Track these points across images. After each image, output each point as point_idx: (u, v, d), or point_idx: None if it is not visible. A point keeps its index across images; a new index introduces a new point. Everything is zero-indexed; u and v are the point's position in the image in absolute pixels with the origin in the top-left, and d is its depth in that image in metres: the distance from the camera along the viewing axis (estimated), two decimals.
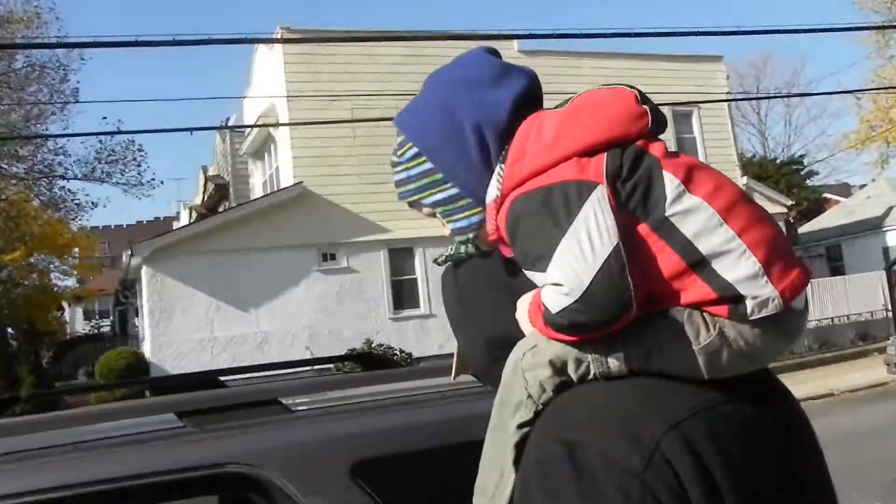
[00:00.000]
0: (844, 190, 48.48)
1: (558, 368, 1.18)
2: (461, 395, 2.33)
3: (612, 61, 24.39)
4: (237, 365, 17.65)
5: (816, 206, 43.64)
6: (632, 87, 1.30)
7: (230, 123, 26.99)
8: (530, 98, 1.32)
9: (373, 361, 2.99)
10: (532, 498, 1.11)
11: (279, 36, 20.53)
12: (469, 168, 1.30)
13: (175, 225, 39.50)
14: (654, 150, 1.22)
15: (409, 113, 1.37)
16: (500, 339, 1.29)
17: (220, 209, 27.13)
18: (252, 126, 23.32)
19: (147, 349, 20.39)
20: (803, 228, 39.01)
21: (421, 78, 1.43)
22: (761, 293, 1.16)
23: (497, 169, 1.26)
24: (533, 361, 1.20)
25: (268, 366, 3.23)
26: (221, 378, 2.83)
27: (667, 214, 1.17)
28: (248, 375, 3.07)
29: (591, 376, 1.18)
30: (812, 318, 22.36)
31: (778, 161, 45.66)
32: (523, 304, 1.23)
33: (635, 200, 1.18)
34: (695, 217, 1.17)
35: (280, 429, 2.11)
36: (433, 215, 1.37)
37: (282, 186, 21.76)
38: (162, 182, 42.31)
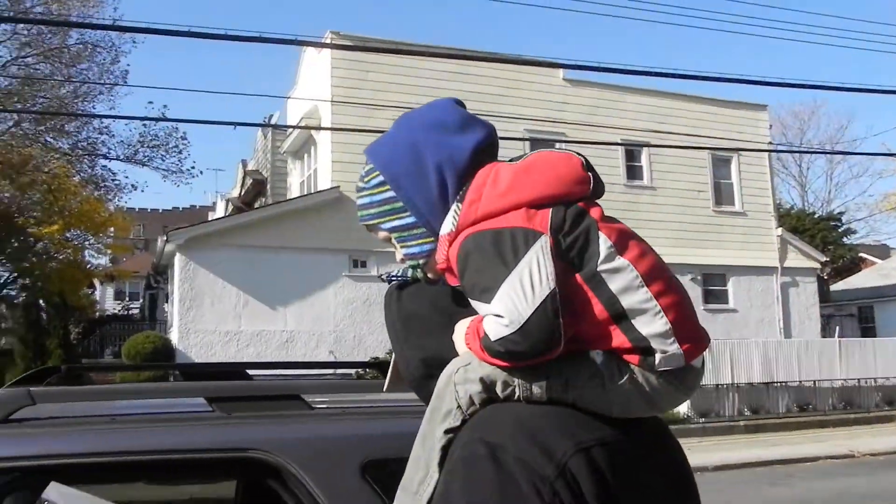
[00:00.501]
0: (882, 251, 47.51)
1: (487, 386, 1.34)
2: None
3: (654, 99, 24.51)
4: (262, 360, 17.92)
5: (852, 264, 43.04)
6: (580, 154, 1.45)
7: (273, 121, 27.35)
8: (488, 148, 1.48)
9: None
10: (453, 490, 1.26)
11: (328, 40, 20.84)
12: (427, 201, 1.45)
13: (211, 215, 39.97)
14: (594, 212, 1.39)
15: (379, 144, 1.54)
16: (436, 358, 1.44)
17: (257, 205, 27.46)
18: (294, 127, 23.62)
19: (174, 336, 20.71)
20: (836, 286, 38.54)
21: (463, 95, 1.59)
22: (668, 349, 1.32)
23: (454, 207, 1.41)
24: (465, 377, 1.35)
25: (293, 364, 3.40)
26: (248, 371, 3.03)
27: (598, 269, 1.32)
28: (272, 371, 3.25)
29: (515, 397, 1.34)
30: (838, 378, 22.23)
31: (816, 216, 45.22)
32: (461, 328, 1.39)
33: (573, 253, 1.34)
34: (620, 276, 1.33)
35: (300, 423, 2.29)
36: (388, 240, 1.53)
37: (319, 189, 22.02)
38: (201, 172, 43.00)
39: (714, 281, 24.94)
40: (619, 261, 1.33)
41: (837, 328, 27.02)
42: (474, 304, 1.34)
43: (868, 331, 32.84)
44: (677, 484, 1.43)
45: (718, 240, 24.97)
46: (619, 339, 1.32)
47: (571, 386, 1.31)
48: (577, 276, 1.32)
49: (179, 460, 2.17)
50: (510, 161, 1.45)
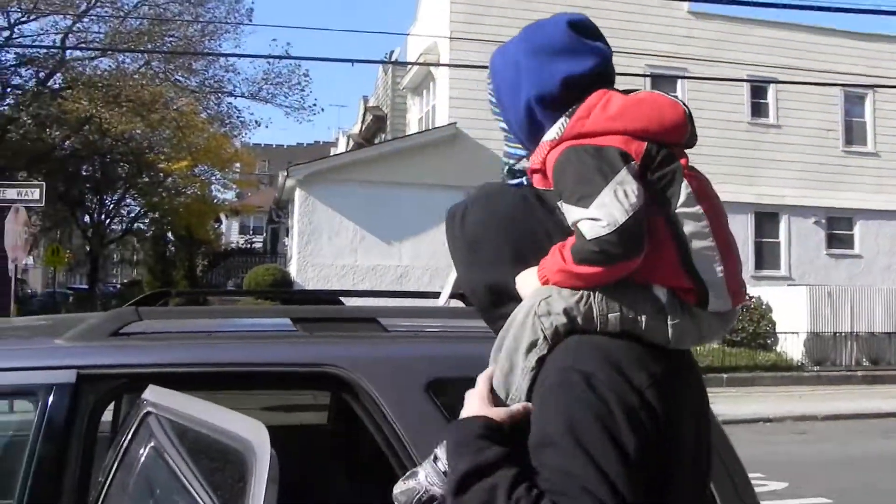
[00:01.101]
0: None
1: (571, 318, 1.45)
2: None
3: (784, 32, 23.54)
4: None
5: None
6: (685, 105, 1.56)
7: (394, 58, 27.59)
8: (594, 77, 1.56)
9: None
10: (551, 412, 1.37)
11: None
12: (517, 120, 1.60)
13: (333, 151, 40.81)
14: (682, 160, 1.51)
15: (499, 51, 1.69)
16: (500, 286, 1.56)
17: (377, 140, 27.93)
18: (413, 63, 23.81)
19: (293, 269, 21.48)
20: None
21: None
22: (720, 296, 1.48)
23: (562, 119, 1.53)
24: (548, 309, 1.46)
25: (381, 293, 3.61)
26: (341, 297, 3.25)
27: (675, 210, 1.46)
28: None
29: (593, 328, 1.45)
30: None
31: None
32: (526, 276, 1.52)
33: (657, 188, 1.46)
34: (693, 222, 1.46)
35: (373, 343, 2.48)
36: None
37: (436, 125, 22.22)
38: (323, 109, 43.94)
39: (840, 225, 24.05)
40: (695, 208, 1.46)
41: None
42: (568, 208, 1.46)
43: None
44: (698, 414, 1.54)
45: (847, 181, 24.00)
46: (680, 278, 1.45)
47: (640, 319, 1.43)
48: (656, 211, 1.44)
49: (264, 372, 2.41)
50: (622, 91, 1.56)
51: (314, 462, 3.55)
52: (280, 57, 25.55)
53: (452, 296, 1.89)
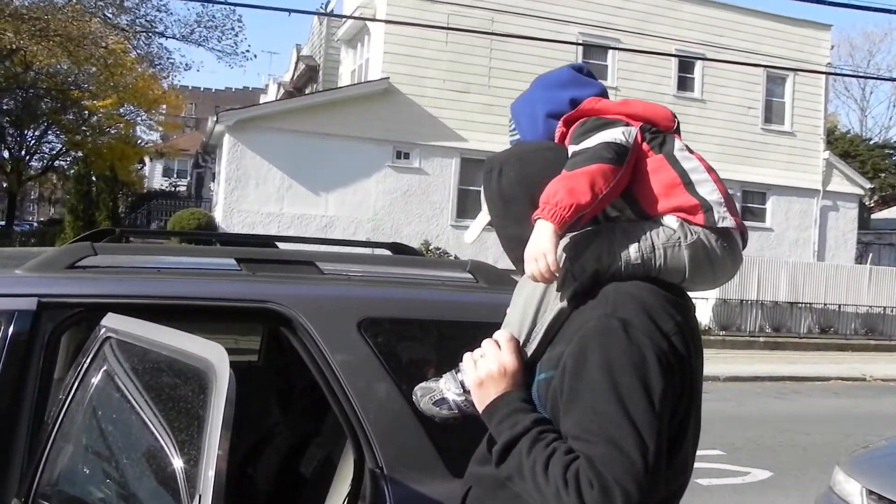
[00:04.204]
0: None
1: (597, 256, 1.71)
2: (456, 286, 2.95)
3: (712, 10, 24.10)
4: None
5: None
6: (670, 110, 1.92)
7: (329, 9, 27.34)
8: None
9: (402, 251, 3.58)
10: (592, 353, 1.60)
11: None
12: (535, 136, 1.92)
13: (262, 98, 40.26)
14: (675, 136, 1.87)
15: (516, 102, 2.01)
16: (528, 239, 1.75)
17: (308, 91, 27.75)
18: (348, 17, 23.68)
19: (218, 214, 21.37)
20: (880, 215, 37.94)
21: None
22: (723, 213, 1.74)
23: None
24: (575, 252, 1.73)
25: (316, 240, 3.88)
26: (276, 243, 3.51)
27: (674, 152, 1.78)
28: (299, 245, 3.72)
29: (617, 265, 1.70)
30: (864, 304, 22.54)
31: (871, 142, 44.26)
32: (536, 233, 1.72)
33: (654, 143, 1.79)
34: (690, 161, 1.78)
35: (311, 284, 2.76)
36: None
37: (369, 79, 22.21)
38: (255, 55, 43.12)
39: (754, 198, 24.96)
40: (690, 155, 1.80)
41: (871, 255, 27.00)
42: (573, 147, 1.77)
43: None
44: (702, 358, 1.82)
45: (763, 158, 24.85)
46: (687, 199, 1.73)
47: (657, 247, 1.71)
48: (659, 153, 1.77)
49: (211, 307, 2.66)
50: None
51: (249, 398, 3.81)
52: (214, 1, 25.11)
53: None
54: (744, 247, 1.83)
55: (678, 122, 1.87)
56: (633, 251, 1.70)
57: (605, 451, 1.48)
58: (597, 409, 1.52)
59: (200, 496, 1.67)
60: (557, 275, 1.68)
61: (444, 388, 1.83)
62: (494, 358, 1.73)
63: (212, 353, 1.88)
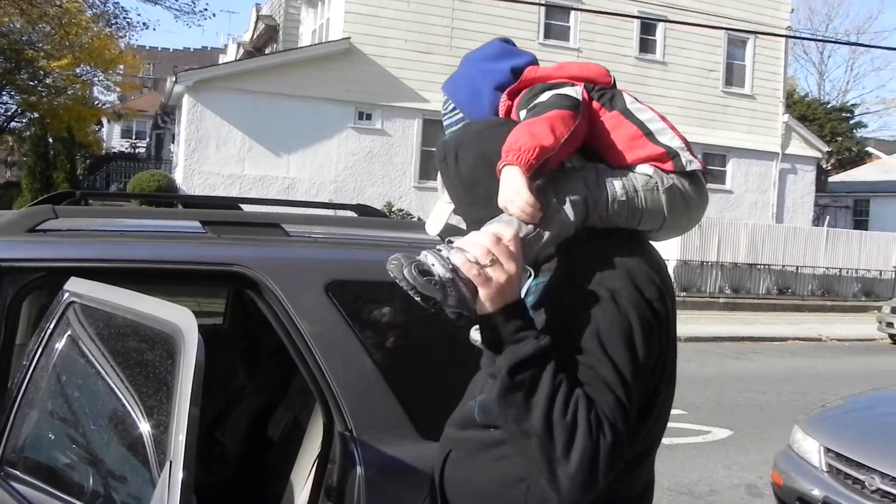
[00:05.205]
0: (891, 147, 46.77)
1: (584, 183, 1.72)
2: (422, 247, 2.94)
3: None
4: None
5: (858, 157, 42.57)
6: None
7: None
8: (529, 66, 1.93)
9: (367, 213, 3.56)
10: (585, 321, 1.61)
11: None
12: (480, 113, 1.89)
13: (222, 58, 39.65)
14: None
15: (448, 82, 1.99)
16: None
17: (268, 50, 27.36)
18: None
19: (179, 176, 21.11)
20: (837, 178, 38.39)
21: None
22: (689, 157, 1.79)
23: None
24: (564, 182, 1.72)
25: (280, 202, 3.84)
26: (241, 205, 3.47)
27: (627, 107, 1.80)
28: (263, 207, 3.69)
29: (604, 200, 1.71)
30: (821, 266, 22.96)
31: (829, 105, 44.71)
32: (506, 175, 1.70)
33: (603, 100, 1.81)
34: (645, 113, 1.81)
35: (277, 246, 2.74)
36: None
37: (330, 39, 21.97)
38: (214, 14, 42.41)
39: (713, 161, 25.14)
40: (642, 106, 1.83)
41: (827, 218, 27.44)
42: (524, 113, 1.77)
43: (861, 224, 33.15)
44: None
45: (723, 121, 25.05)
46: (654, 148, 1.77)
47: (638, 189, 1.74)
48: (613, 111, 1.79)
49: (177, 270, 2.63)
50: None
51: (215, 361, 3.79)
52: None
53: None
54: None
55: (614, 79, 1.90)
56: (618, 187, 1.73)
57: (601, 392, 1.55)
58: (597, 373, 1.57)
59: (171, 462, 1.67)
60: (539, 210, 1.63)
61: (424, 259, 1.51)
62: (510, 259, 1.53)
63: (180, 318, 1.86)
